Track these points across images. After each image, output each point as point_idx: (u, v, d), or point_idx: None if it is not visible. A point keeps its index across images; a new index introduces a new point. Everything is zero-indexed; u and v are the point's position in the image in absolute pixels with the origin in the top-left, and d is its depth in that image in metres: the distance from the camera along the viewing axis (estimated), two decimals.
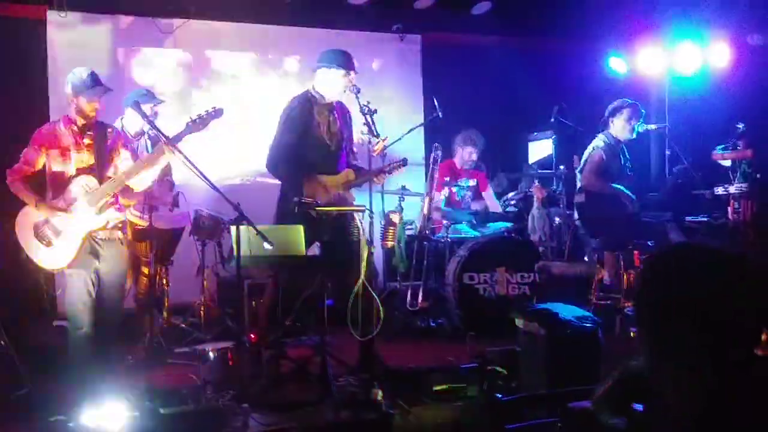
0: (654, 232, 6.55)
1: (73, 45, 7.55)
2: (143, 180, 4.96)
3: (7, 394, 4.74)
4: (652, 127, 7.02)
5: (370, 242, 5.22)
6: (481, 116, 8.24)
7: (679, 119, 8.05)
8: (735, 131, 6.85)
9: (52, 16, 7.50)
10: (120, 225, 5.00)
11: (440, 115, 6.75)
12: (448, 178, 7.66)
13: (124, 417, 4.07)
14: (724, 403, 1.54)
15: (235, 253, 4.71)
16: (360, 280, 5.06)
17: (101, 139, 4.95)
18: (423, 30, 8.89)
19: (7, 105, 7.08)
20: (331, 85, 5.50)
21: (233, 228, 4.71)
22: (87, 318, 4.82)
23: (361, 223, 5.52)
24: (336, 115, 5.61)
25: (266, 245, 4.65)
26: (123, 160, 5.02)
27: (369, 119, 5.25)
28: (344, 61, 5.51)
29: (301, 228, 4.97)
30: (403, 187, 7.06)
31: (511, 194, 7.77)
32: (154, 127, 5.04)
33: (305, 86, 5.75)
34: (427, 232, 7.20)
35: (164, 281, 6.46)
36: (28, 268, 4.98)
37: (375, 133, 5.26)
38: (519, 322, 5.09)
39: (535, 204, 7.37)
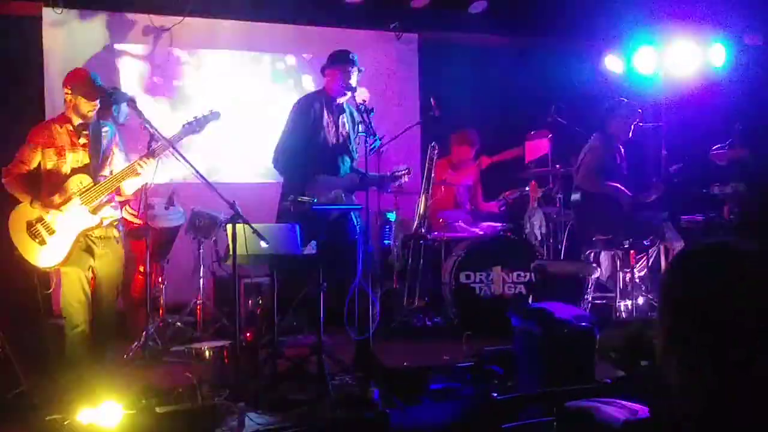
0: (650, 231, 6.55)
1: (69, 42, 7.53)
2: (134, 183, 4.99)
3: (3, 393, 4.73)
4: (648, 125, 7.03)
5: (366, 241, 5.22)
6: (478, 115, 8.24)
7: (676, 118, 8.05)
8: (731, 131, 6.85)
9: (48, 14, 7.47)
10: (115, 223, 5.00)
11: (437, 114, 6.75)
12: (444, 177, 7.66)
13: (120, 415, 4.06)
14: (724, 404, 1.54)
15: (231, 251, 4.71)
16: (356, 279, 5.07)
17: (96, 139, 4.95)
18: (420, 29, 8.88)
19: (2, 103, 7.06)
20: (336, 85, 5.54)
21: (229, 226, 4.71)
22: (82, 316, 4.82)
23: (358, 221, 5.53)
24: (346, 118, 5.63)
25: (262, 243, 4.65)
26: (117, 160, 5.02)
27: (365, 118, 5.27)
28: (343, 59, 5.55)
29: (297, 226, 4.97)
30: (400, 186, 7.05)
31: (507, 193, 7.77)
32: (150, 125, 5.04)
33: (302, 85, 5.76)
34: (423, 230, 7.20)
35: (160, 280, 6.45)
36: (21, 267, 4.97)
37: (371, 132, 5.27)
38: (515, 321, 5.09)
39: (532, 203, 7.37)
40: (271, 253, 4.86)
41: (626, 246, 6.21)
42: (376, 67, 8.27)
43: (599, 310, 6.38)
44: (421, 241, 7.19)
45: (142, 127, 5.99)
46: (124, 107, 6.29)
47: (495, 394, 4.37)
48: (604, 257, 6.77)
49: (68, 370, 4.81)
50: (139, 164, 4.82)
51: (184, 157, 4.80)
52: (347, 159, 5.69)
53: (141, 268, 6.27)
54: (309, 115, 5.54)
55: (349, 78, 5.51)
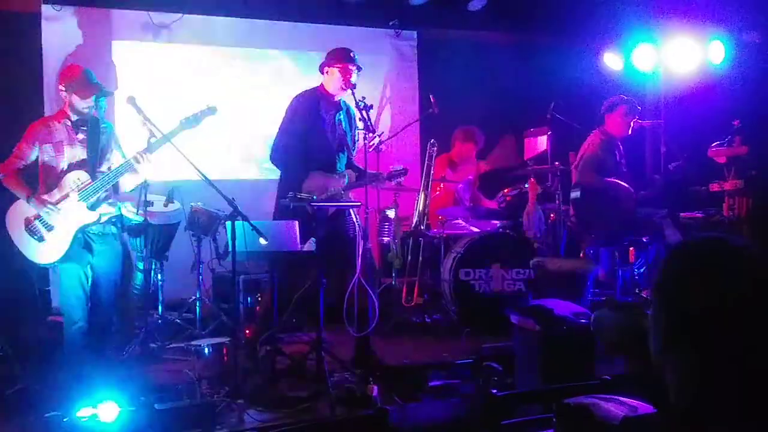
0: (649, 228, 6.55)
1: (68, 39, 7.51)
2: (132, 179, 4.98)
3: (2, 390, 4.73)
4: (647, 123, 7.03)
5: (365, 238, 5.22)
6: (477, 112, 8.23)
7: (675, 116, 8.05)
8: (730, 128, 6.85)
9: (47, 10, 7.45)
10: (114, 219, 5.00)
11: (436, 111, 6.76)
12: (444, 174, 7.65)
13: (119, 412, 4.06)
14: (718, 399, 1.54)
15: (230, 248, 4.70)
16: (356, 277, 5.07)
17: (95, 135, 4.95)
18: (419, 26, 8.88)
19: (1, 99, 7.05)
20: (335, 82, 5.54)
21: (228, 223, 4.71)
22: (81, 313, 4.82)
23: (357, 218, 5.54)
24: (342, 115, 5.63)
25: (261, 240, 4.65)
26: (115, 157, 5.02)
27: (364, 115, 5.27)
28: (345, 56, 5.55)
29: (296, 224, 4.97)
30: (399, 183, 7.06)
31: (506, 190, 7.77)
32: (149, 122, 5.03)
33: (301, 81, 5.77)
34: (422, 227, 7.20)
35: (159, 276, 6.45)
36: (20, 264, 4.96)
37: (370, 129, 5.28)
38: (514, 318, 5.09)
39: (531, 200, 7.37)
40: (271, 250, 4.86)
41: (625, 243, 6.21)
42: (375, 64, 8.26)
43: (599, 307, 6.38)
44: (421, 238, 7.19)
45: (141, 124, 6.00)
46: (102, 103, 6.26)
47: (494, 391, 4.36)
48: (604, 254, 6.77)
49: (67, 366, 4.81)
50: (136, 159, 4.81)
51: (183, 154, 4.80)
52: (344, 156, 5.69)
53: (140, 265, 6.27)
54: (306, 111, 5.54)
55: (350, 76, 5.51)
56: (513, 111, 8.64)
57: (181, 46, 8.01)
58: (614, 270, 6.40)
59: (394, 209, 7.25)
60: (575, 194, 6.81)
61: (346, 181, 5.61)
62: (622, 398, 2.78)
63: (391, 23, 8.60)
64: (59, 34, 7.51)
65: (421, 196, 7.24)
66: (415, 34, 8.93)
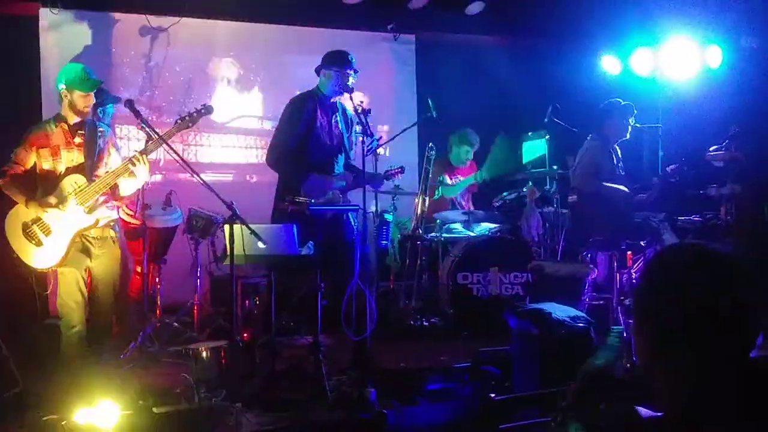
0: (647, 232, 6.55)
1: (66, 42, 7.52)
2: (132, 182, 4.98)
3: (0, 393, 4.72)
4: (645, 126, 7.04)
5: (364, 241, 5.22)
6: (475, 116, 8.23)
7: (672, 120, 8.07)
8: (728, 132, 6.86)
9: (45, 14, 7.46)
10: (112, 223, 5.00)
11: (434, 115, 6.76)
12: (441, 177, 7.66)
13: (117, 416, 4.06)
14: (706, 402, 1.55)
15: (228, 252, 4.71)
16: (354, 280, 5.07)
17: (92, 139, 4.95)
18: (417, 30, 8.89)
19: None
20: (333, 85, 5.54)
21: (226, 227, 4.71)
22: (79, 317, 4.82)
23: (356, 222, 5.54)
24: (339, 117, 5.63)
25: (260, 244, 4.65)
26: (113, 160, 5.02)
27: (363, 119, 5.27)
28: (343, 60, 5.54)
29: (294, 227, 4.97)
30: (397, 187, 7.07)
31: (504, 194, 7.77)
32: (147, 125, 5.04)
33: (298, 84, 5.77)
34: (420, 231, 7.20)
35: (157, 280, 6.45)
36: (18, 268, 4.95)
37: (369, 133, 5.28)
38: (512, 322, 5.09)
39: (529, 204, 7.38)
40: (269, 254, 4.86)
41: (623, 247, 6.21)
42: (373, 68, 8.27)
43: (596, 311, 6.39)
44: (419, 242, 7.20)
45: (139, 128, 6.01)
46: (109, 109, 6.28)
47: (492, 395, 4.37)
48: (601, 258, 6.77)
49: (65, 370, 4.80)
50: (132, 162, 4.81)
51: (181, 158, 4.81)
52: (341, 158, 5.69)
53: (138, 269, 6.27)
54: (302, 114, 5.53)
55: (347, 79, 5.51)
56: (511, 115, 8.64)
57: (179, 49, 8.01)
58: (612, 274, 6.40)
59: (392, 213, 7.25)
60: (573, 198, 6.82)
61: (343, 183, 5.61)
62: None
63: (389, 27, 8.62)
64: (57, 38, 7.52)
65: (419, 199, 7.25)
66: (413, 37, 8.94)
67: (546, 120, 7.24)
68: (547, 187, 7.35)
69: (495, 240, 7.26)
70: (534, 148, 8.37)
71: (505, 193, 7.72)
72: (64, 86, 4.87)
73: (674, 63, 8.07)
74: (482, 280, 6.85)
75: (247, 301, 6.46)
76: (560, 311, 5.03)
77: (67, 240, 4.77)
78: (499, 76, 8.63)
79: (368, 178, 5.47)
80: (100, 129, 5.06)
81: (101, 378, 4.64)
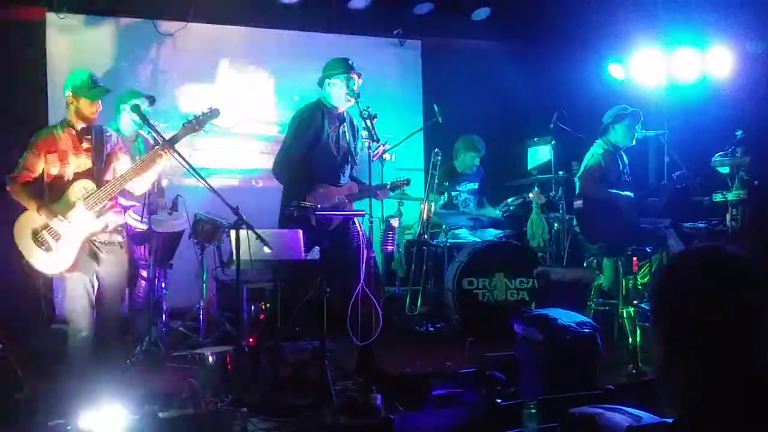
0: (652, 238, 6.55)
1: (72, 47, 7.55)
2: (142, 183, 4.98)
3: (6, 397, 4.73)
4: (651, 133, 7.04)
5: (369, 247, 5.23)
6: (481, 122, 8.24)
7: (678, 126, 8.05)
8: (734, 138, 6.85)
9: (51, 18, 7.49)
10: (120, 228, 5.01)
11: (440, 120, 6.77)
12: (447, 183, 7.66)
13: (123, 421, 4.06)
14: (714, 407, 1.55)
15: (234, 257, 4.71)
16: (359, 285, 5.07)
17: (99, 143, 4.95)
18: (423, 35, 8.90)
19: (5, 108, 7.07)
20: (338, 93, 5.53)
21: (233, 232, 4.71)
22: (86, 322, 4.82)
23: (361, 227, 5.54)
24: (345, 126, 5.63)
25: (266, 249, 4.65)
26: (121, 165, 5.02)
27: (369, 124, 5.27)
28: (344, 66, 5.55)
29: (300, 232, 4.98)
30: (403, 192, 7.07)
31: (510, 199, 7.78)
32: (152, 129, 5.05)
33: (305, 91, 5.77)
34: (426, 236, 7.20)
35: (163, 285, 6.45)
36: (27, 273, 4.97)
37: (375, 138, 5.29)
38: (518, 328, 5.09)
39: (534, 210, 7.37)
40: (275, 259, 4.87)
41: (629, 253, 6.20)
42: (379, 73, 8.28)
43: (602, 317, 6.38)
44: (424, 248, 7.20)
45: (145, 132, 6.02)
46: (124, 117, 6.29)
47: (498, 400, 4.36)
48: (607, 264, 6.76)
49: (71, 375, 4.80)
50: (159, 154, 4.83)
51: (188, 163, 4.81)
52: (347, 169, 5.70)
53: (144, 273, 6.28)
54: (310, 125, 5.54)
55: (354, 85, 5.51)
56: (517, 120, 8.65)
57: (186, 54, 8.03)
58: (617, 280, 6.39)
59: (398, 218, 7.26)
60: (578, 204, 6.82)
61: (349, 192, 5.61)
62: (626, 408, 2.79)
63: (395, 32, 8.63)
64: (64, 43, 7.54)
65: (425, 205, 7.25)
66: (419, 43, 8.95)
67: (552, 125, 7.24)
68: (553, 192, 7.35)
69: (501, 245, 7.27)
70: (539, 154, 8.37)
71: (510, 199, 7.73)
72: (70, 93, 4.87)
73: (680, 69, 8.06)
74: (488, 285, 6.85)
75: (252, 306, 6.46)
76: (566, 317, 5.03)
77: (76, 245, 4.77)
78: (505, 81, 8.63)
79: (375, 189, 5.48)
80: (108, 134, 5.07)
81: (107, 382, 4.64)
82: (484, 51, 9.00)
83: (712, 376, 1.55)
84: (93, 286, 4.86)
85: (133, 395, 4.49)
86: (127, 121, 6.16)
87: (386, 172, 5.76)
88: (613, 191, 6.54)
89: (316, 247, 5.14)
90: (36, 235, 4.77)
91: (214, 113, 5.01)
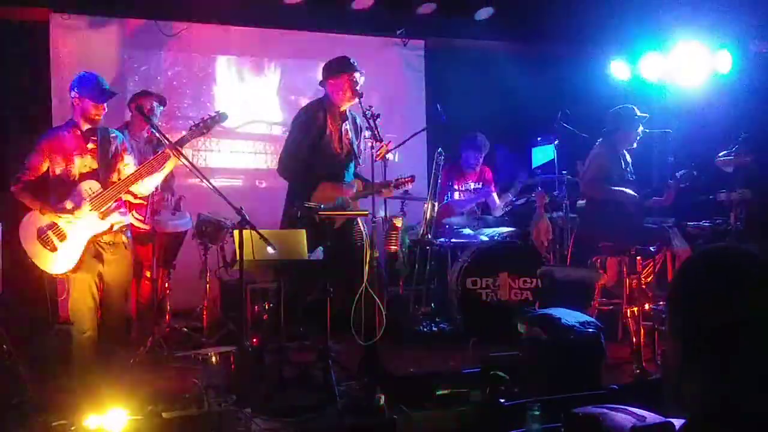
0: (656, 237, 6.54)
1: (76, 48, 7.56)
2: (147, 185, 4.98)
3: (10, 398, 4.74)
4: (655, 132, 7.03)
5: (373, 247, 5.22)
6: (484, 121, 8.23)
7: (682, 125, 8.05)
8: (738, 137, 6.84)
9: (56, 19, 7.50)
10: (124, 229, 5.01)
11: (443, 120, 6.76)
12: (451, 182, 7.66)
13: (126, 421, 4.07)
14: (728, 408, 1.54)
15: (237, 257, 4.71)
16: (363, 285, 5.07)
17: (105, 144, 4.96)
18: (426, 35, 8.91)
19: (10, 109, 7.08)
20: (342, 92, 5.53)
21: (236, 232, 4.72)
22: (91, 322, 4.83)
23: (365, 227, 5.54)
24: (348, 125, 5.64)
25: (269, 249, 4.65)
26: (126, 166, 5.03)
27: (372, 123, 5.27)
28: (346, 65, 5.54)
29: (303, 232, 4.98)
30: (406, 192, 7.07)
31: (514, 199, 7.78)
32: (158, 131, 5.05)
33: (309, 91, 5.77)
34: (429, 236, 7.20)
35: (166, 285, 6.46)
36: (31, 273, 4.97)
37: (378, 138, 5.28)
38: (521, 327, 5.09)
39: (538, 209, 7.37)
40: (278, 259, 4.87)
41: (633, 252, 6.19)
42: (382, 73, 8.29)
43: (606, 317, 6.37)
44: (428, 247, 7.19)
45: (149, 133, 6.03)
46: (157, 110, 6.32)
47: (502, 400, 4.36)
48: (611, 263, 6.75)
49: (75, 375, 4.81)
50: (143, 170, 4.84)
51: (191, 163, 4.82)
52: (352, 166, 5.70)
53: (148, 274, 6.28)
54: (313, 124, 5.54)
55: (356, 84, 5.51)
56: (520, 120, 8.65)
57: (189, 54, 8.04)
58: (621, 279, 6.38)
59: (401, 218, 7.25)
60: (582, 203, 6.81)
61: (354, 190, 5.61)
62: (630, 408, 2.78)
63: (398, 32, 8.63)
64: (68, 43, 7.55)
65: (429, 204, 7.24)
66: (422, 43, 8.96)
67: (555, 125, 7.24)
68: (557, 192, 7.35)
69: (504, 245, 7.26)
70: (543, 153, 8.37)
71: (514, 198, 7.73)
72: (76, 94, 4.88)
73: (684, 68, 8.05)
74: (491, 285, 6.84)
75: (256, 307, 6.47)
76: (570, 316, 5.02)
77: (81, 245, 4.78)
78: (508, 81, 8.63)
79: (379, 187, 5.48)
80: (113, 135, 5.07)
81: (111, 383, 4.65)
82: (487, 51, 9.00)
83: (725, 378, 1.55)
84: (97, 286, 4.86)
85: (136, 395, 4.49)
86: (137, 122, 6.19)
87: (389, 173, 5.75)
88: (617, 189, 6.53)
89: (320, 247, 5.14)
90: (41, 235, 4.78)
91: (220, 117, 5.01)
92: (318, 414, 4.64)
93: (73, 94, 4.89)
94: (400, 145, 7.00)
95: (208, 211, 6.53)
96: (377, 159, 5.35)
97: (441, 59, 9.00)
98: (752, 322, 1.54)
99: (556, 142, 7.38)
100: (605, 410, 2.83)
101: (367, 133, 5.41)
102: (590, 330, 4.94)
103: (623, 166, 6.72)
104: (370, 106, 5.36)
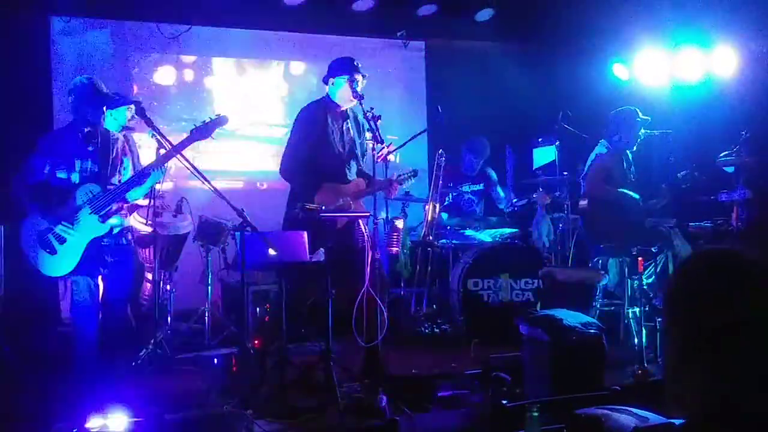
0: (658, 238, 6.54)
1: (78, 51, 7.56)
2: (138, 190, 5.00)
3: (11, 400, 4.74)
4: (655, 132, 7.03)
5: (374, 248, 5.22)
6: (485, 123, 8.24)
7: (683, 126, 8.04)
8: (739, 138, 6.84)
9: (57, 23, 7.50)
10: (125, 231, 5.01)
11: (444, 122, 6.76)
12: (452, 184, 7.66)
13: (128, 423, 4.07)
14: (726, 409, 1.54)
15: (239, 259, 4.71)
16: (364, 287, 5.07)
17: (106, 147, 4.96)
18: (426, 36, 8.91)
19: (11, 112, 7.08)
20: (342, 93, 5.54)
21: (237, 234, 4.72)
22: (92, 324, 4.83)
23: (366, 229, 5.54)
24: (349, 124, 5.64)
25: (271, 251, 4.65)
26: (126, 168, 5.03)
27: (373, 125, 5.28)
28: (349, 66, 5.55)
29: (305, 234, 4.98)
30: (407, 193, 7.07)
31: (515, 200, 7.78)
32: (159, 133, 5.05)
33: (309, 92, 5.77)
34: (430, 238, 7.20)
35: (168, 287, 6.46)
36: (32, 275, 4.97)
37: (379, 139, 5.29)
38: (523, 329, 5.08)
39: (539, 210, 7.37)
40: (280, 261, 4.87)
41: (634, 253, 6.19)
42: (383, 74, 8.29)
43: (607, 318, 6.37)
44: (429, 249, 7.19)
45: (150, 135, 6.02)
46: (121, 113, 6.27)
47: (504, 402, 4.35)
48: (612, 264, 6.76)
49: (76, 377, 4.81)
50: (148, 175, 4.84)
51: (192, 165, 4.82)
52: (354, 165, 5.71)
53: (149, 276, 6.28)
54: (314, 123, 5.55)
55: (356, 85, 5.52)
56: (521, 121, 8.65)
57: (190, 57, 8.04)
58: (623, 280, 6.39)
59: (402, 219, 7.25)
60: (583, 204, 6.81)
61: (356, 190, 5.61)
62: (632, 409, 2.78)
63: (399, 34, 8.62)
64: (68, 46, 7.56)
65: (430, 206, 7.24)
66: (423, 44, 8.96)
67: (556, 126, 7.23)
68: (558, 193, 7.35)
69: (505, 246, 7.26)
70: (544, 154, 8.36)
71: (515, 200, 7.73)
72: (74, 100, 4.89)
73: (684, 68, 8.05)
74: (493, 286, 6.84)
75: (257, 308, 6.47)
76: (571, 317, 5.02)
77: (80, 248, 4.78)
78: (509, 82, 8.63)
79: (382, 184, 5.48)
80: (114, 137, 5.08)
81: (113, 385, 4.65)
82: (487, 52, 9.00)
83: (725, 378, 1.55)
84: (99, 289, 4.86)
85: (138, 398, 4.49)
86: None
87: (390, 174, 5.75)
88: (618, 190, 6.53)
89: (321, 248, 5.14)
90: (41, 238, 4.78)
91: (221, 120, 4.99)
92: (320, 415, 4.64)
93: (71, 99, 4.90)
94: (401, 147, 6.99)
95: (209, 213, 6.53)
96: (378, 160, 5.35)
97: (442, 60, 9.00)
98: (753, 322, 1.54)
99: (557, 143, 7.37)
100: (607, 411, 2.83)
101: (368, 135, 5.42)
102: (592, 331, 4.93)
103: (625, 167, 6.73)
104: (371, 108, 5.36)
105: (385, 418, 4.54)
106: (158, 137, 4.94)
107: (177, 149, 4.85)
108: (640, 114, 6.76)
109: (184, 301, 6.72)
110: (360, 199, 5.65)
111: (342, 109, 5.64)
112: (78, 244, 4.78)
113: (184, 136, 4.95)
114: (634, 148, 6.72)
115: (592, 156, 6.76)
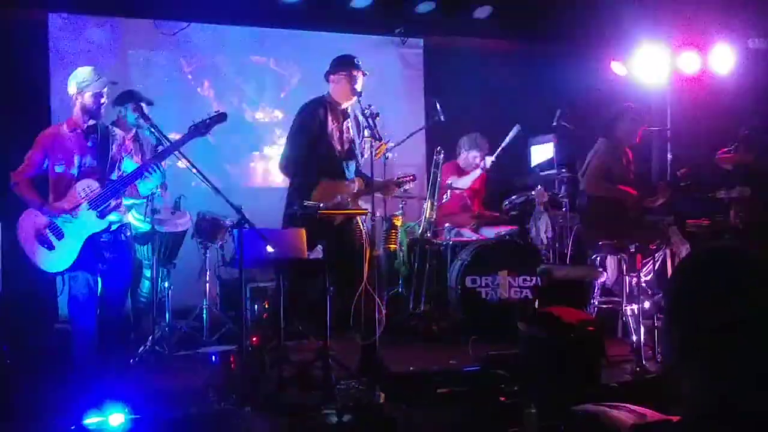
0: (656, 235, 6.54)
1: (75, 48, 7.55)
2: (151, 182, 4.99)
3: (9, 397, 4.74)
4: (654, 129, 7.03)
5: (372, 245, 5.23)
6: (483, 120, 8.23)
7: (681, 123, 8.05)
8: (737, 135, 6.84)
9: (54, 19, 7.49)
10: (123, 227, 5.01)
11: (442, 119, 6.76)
12: (450, 181, 7.66)
13: (126, 420, 4.07)
14: (733, 407, 1.54)
15: (237, 256, 4.71)
16: (362, 284, 5.07)
17: (105, 143, 4.96)
18: (424, 34, 8.90)
19: (9, 108, 7.07)
20: (342, 90, 5.55)
21: (236, 231, 4.72)
22: (90, 321, 4.83)
23: (364, 226, 5.54)
24: (349, 123, 5.64)
25: (269, 248, 4.65)
26: (127, 165, 5.03)
27: (371, 122, 5.28)
28: (349, 64, 5.56)
29: (303, 231, 4.98)
30: (405, 191, 7.06)
31: (513, 197, 7.77)
32: (157, 130, 5.05)
33: (308, 89, 5.77)
34: (428, 235, 7.19)
35: (166, 284, 6.45)
36: (31, 272, 4.97)
37: (377, 137, 5.29)
38: (521, 326, 5.09)
39: (538, 207, 7.36)
40: (278, 258, 4.87)
41: (632, 250, 6.19)
42: (381, 72, 8.27)
43: (605, 315, 6.37)
44: (427, 246, 7.19)
45: (148, 132, 6.02)
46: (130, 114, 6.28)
47: (502, 398, 4.36)
48: (610, 261, 6.76)
49: (74, 374, 4.81)
50: (147, 171, 4.83)
51: (191, 162, 4.81)
52: (352, 164, 5.71)
53: (147, 273, 6.28)
54: (313, 121, 5.55)
55: (355, 82, 5.52)
56: (519, 118, 8.63)
57: (188, 54, 8.03)
58: (621, 277, 6.39)
59: (400, 217, 7.25)
60: (582, 201, 6.81)
61: (355, 188, 5.62)
62: (630, 406, 2.78)
63: (397, 31, 8.62)
64: (66, 43, 7.54)
65: (428, 203, 7.24)
66: (421, 41, 8.95)
67: (554, 123, 7.23)
68: (556, 190, 7.34)
69: (504, 243, 7.26)
70: (542, 152, 8.36)
71: (513, 197, 7.72)
72: (75, 89, 4.88)
73: (683, 65, 8.05)
74: (491, 283, 6.83)
75: (256, 306, 6.46)
76: (569, 315, 5.02)
77: (78, 244, 4.78)
78: (507, 79, 8.62)
79: (380, 185, 5.49)
80: (113, 133, 5.07)
81: (111, 382, 4.65)
82: (485, 49, 8.99)
83: (723, 376, 1.55)
84: (97, 285, 4.86)
85: (136, 395, 4.49)
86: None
87: (388, 172, 5.75)
88: (617, 188, 6.53)
89: (319, 246, 5.14)
90: (39, 233, 4.78)
91: (220, 118, 4.99)
92: (318, 413, 4.64)
93: (71, 90, 4.89)
94: (399, 144, 7.01)
95: (207, 209, 6.52)
96: (376, 158, 5.36)
97: (439, 58, 8.99)
98: (751, 321, 1.54)
99: (555, 141, 7.37)
100: (605, 408, 2.83)
101: (366, 132, 5.42)
102: (590, 328, 4.94)
103: (624, 164, 6.73)
104: (369, 105, 5.37)
105: (383, 415, 4.54)
106: (157, 134, 4.94)
107: (175, 146, 4.85)
108: (639, 111, 6.76)
109: (182, 298, 6.70)
110: (358, 198, 5.65)
111: (342, 107, 5.64)
112: (76, 240, 4.78)
113: (183, 133, 4.96)
114: (636, 139, 6.71)
115: (591, 153, 6.76)
